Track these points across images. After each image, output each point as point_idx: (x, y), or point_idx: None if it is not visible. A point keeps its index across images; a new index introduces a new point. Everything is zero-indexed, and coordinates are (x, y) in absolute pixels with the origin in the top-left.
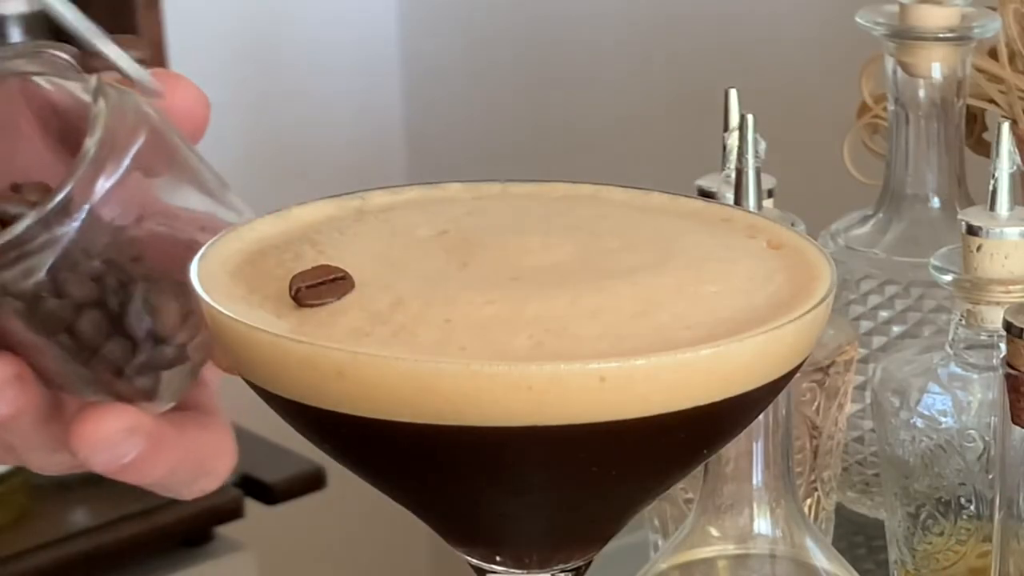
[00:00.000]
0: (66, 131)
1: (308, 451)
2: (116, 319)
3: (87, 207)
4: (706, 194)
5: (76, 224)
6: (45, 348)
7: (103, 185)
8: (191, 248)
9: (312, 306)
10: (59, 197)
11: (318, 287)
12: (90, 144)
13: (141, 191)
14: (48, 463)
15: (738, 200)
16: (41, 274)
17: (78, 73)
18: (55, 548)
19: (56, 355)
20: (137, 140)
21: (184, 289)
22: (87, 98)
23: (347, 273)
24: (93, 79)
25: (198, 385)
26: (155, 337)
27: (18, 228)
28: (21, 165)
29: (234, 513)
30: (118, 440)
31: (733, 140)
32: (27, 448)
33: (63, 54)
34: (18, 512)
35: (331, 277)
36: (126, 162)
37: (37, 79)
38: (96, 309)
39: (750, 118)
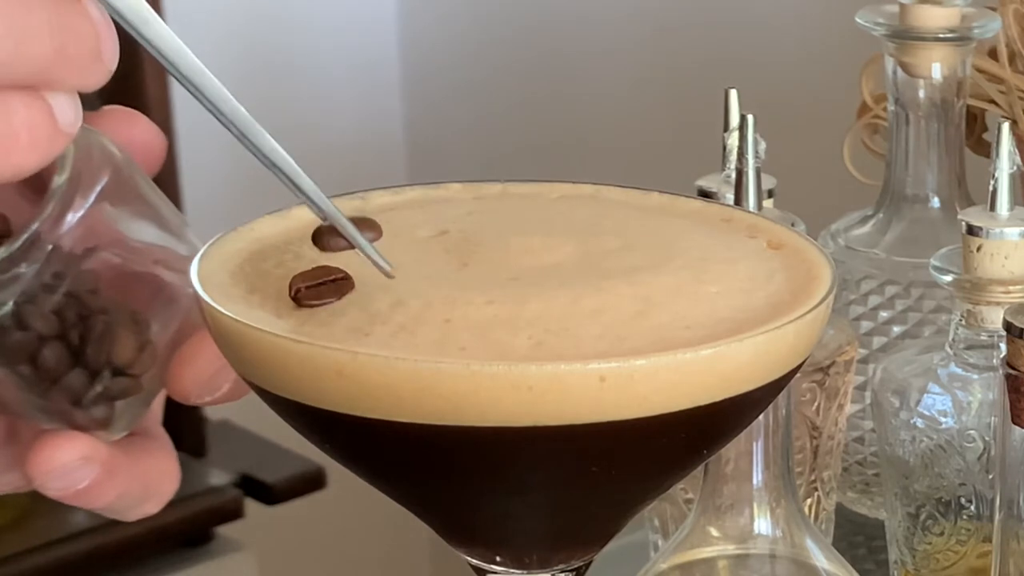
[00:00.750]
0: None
1: (308, 451)
2: (76, 351)
3: (52, 244)
4: (706, 194)
5: (41, 260)
6: (5, 378)
7: (69, 222)
8: (147, 281)
9: (312, 306)
10: (27, 235)
11: (318, 287)
12: (59, 183)
13: (103, 225)
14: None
15: (738, 200)
16: (7, 308)
17: None
18: (55, 548)
19: (16, 384)
20: (102, 178)
21: (139, 320)
22: None
23: (347, 273)
24: None
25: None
26: (113, 368)
27: None
28: None
29: (234, 513)
30: (73, 468)
31: (733, 140)
32: None
33: None
34: (18, 512)
35: (331, 277)
36: (91, 199)
37: None
38: (58, 341)
39: (750, 118)
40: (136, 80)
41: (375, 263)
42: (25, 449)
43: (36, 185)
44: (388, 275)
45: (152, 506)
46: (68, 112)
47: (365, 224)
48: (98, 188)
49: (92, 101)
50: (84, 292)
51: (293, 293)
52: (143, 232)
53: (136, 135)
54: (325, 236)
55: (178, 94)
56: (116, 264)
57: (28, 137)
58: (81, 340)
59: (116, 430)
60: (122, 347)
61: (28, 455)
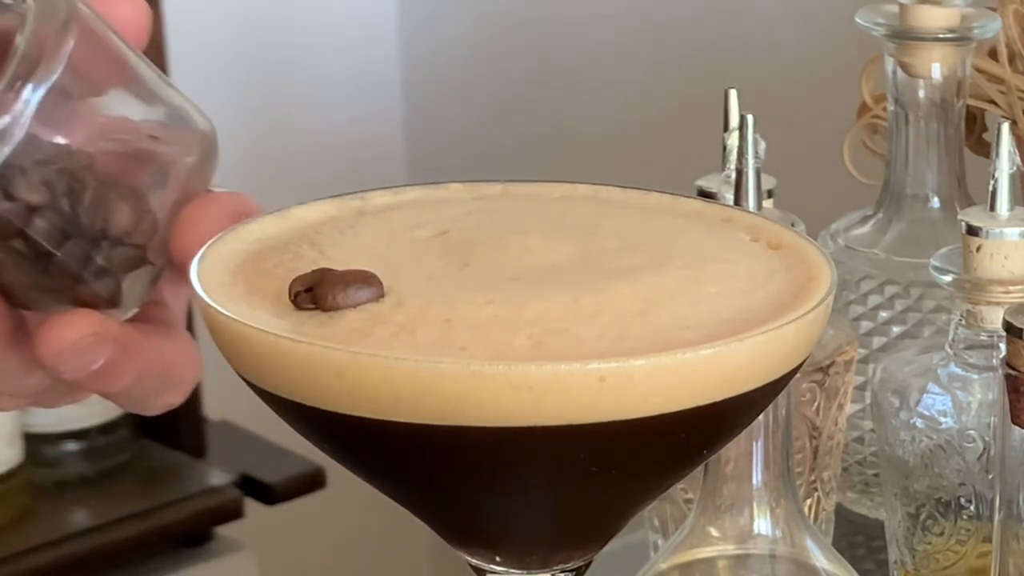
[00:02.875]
0: None
1: (308, 451)
2: (70, 220)
3: (25, 106)
4: (706, 194)
5: (16, 124)
6: (3, 256)
7: (39, 84)
8: (139, 157)
9: (312, 309)
10: None
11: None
12: (19, 41)
13: (84, 100)
14: (19, 388)
15: (738, 200)
16: None
17: None
18: (55, 548)
19: (13, 263)
20: (69, 40)
21: (136, 193)
22: (19, 10)
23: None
24: None
25: (159, 304)
26: (110, 237)
27: None
28: None
29: (234, 513)
30: (85, 345)
31: (733, 140)
32: None
33: None
34: (18, 512)
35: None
36: (61, 61)
37: None
38: (48, 211)
39: (750, 118)
40: None
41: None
42: (35, 333)
43: None
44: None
45: (176, 395)
46: None
47: (364, 277)
48: (66, 48)
49: None
50: (76, 167)
51: (293, 296)
52: (126, 105)
53: (115, 8)
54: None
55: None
56: (103, 143)
57: None
58: (73, 208)
59: (126, 307)
60: (119, 214)
61: (37, 336)
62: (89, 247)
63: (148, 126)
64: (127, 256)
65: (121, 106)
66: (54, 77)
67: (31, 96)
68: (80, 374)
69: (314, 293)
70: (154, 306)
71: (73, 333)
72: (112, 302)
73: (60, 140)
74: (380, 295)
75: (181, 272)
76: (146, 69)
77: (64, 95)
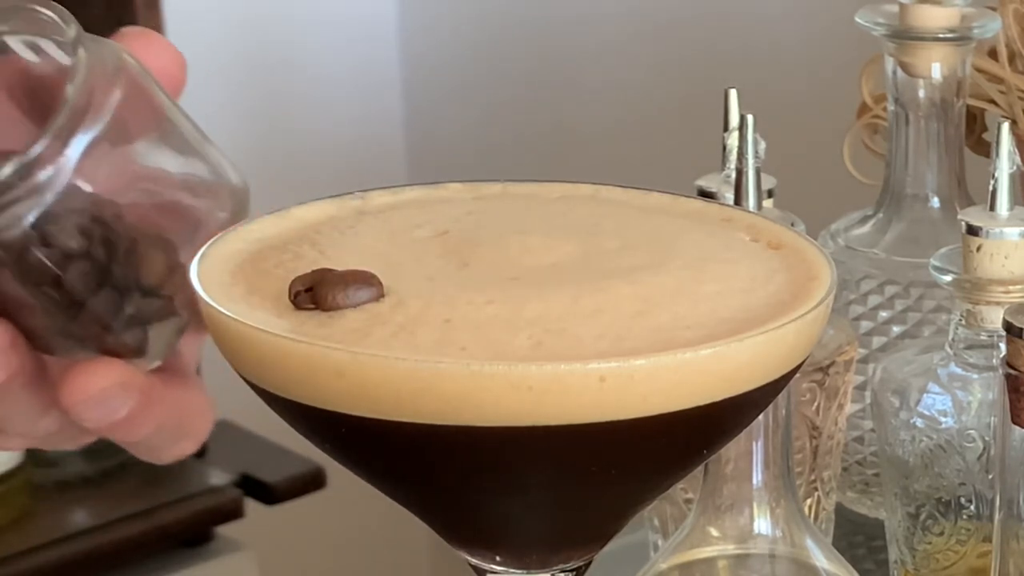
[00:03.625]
0: (32, 98)
1: (308, 451)
2: (103, 270)
3: (71, 156)
4: (706, 194)
5: (61, 174)
6: (33, 303)
7: (85, 135)
8: (172, 209)
9: (311, 309)
10: (40, 144)
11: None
12: (71, 93)
13: (123, 151)
14: (31, 430)
15: (738, 200)
16: (27, 223)
17: (62, 27)
18: (55, 548)
19: (44, 309)
20: (116, 91)
21: (168, 244)
22: (60, 57)
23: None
24: (72, 30)
25: (175, 354)
26: (142, 288)
27: (2, 174)
28: None
29: (234, 513)
30: (111, 395)
31: (733, 140)
32: (11, 414)
33: (46, 11)
34: (18, 512)
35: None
36: (107, 113)
37: (8, 39)
38: (83, 260)
39: (750, 118)
40: None
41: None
42: (59, 381)
43: (42, 112)
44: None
45: (189, 444)
46: None
47: (364, 278)
48: (113, 101)
49: (104, 30)
50: (108, 216)
51: (293, 296)
52: (167, 157)
53: (152, 58)
54: (328, 293)
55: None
56: (135, 194)
57: None
58: (108, 258)
59: (151, 357)
60: (151, 265)
61: (61, 384)
62: (120, 297)
63: (182, 179)
64: (156, 307)
65: (157, 157)
66: (99, 129)
67: (76, 147)
68: (102, 423)
69: (314, 293)
70: (171, 356)
71: (100, 382)
72: (138, 352)
73: (98, 189)
74: (380, 295)
75: (203, 324)
76: (184, 122)
77: (105, 145)
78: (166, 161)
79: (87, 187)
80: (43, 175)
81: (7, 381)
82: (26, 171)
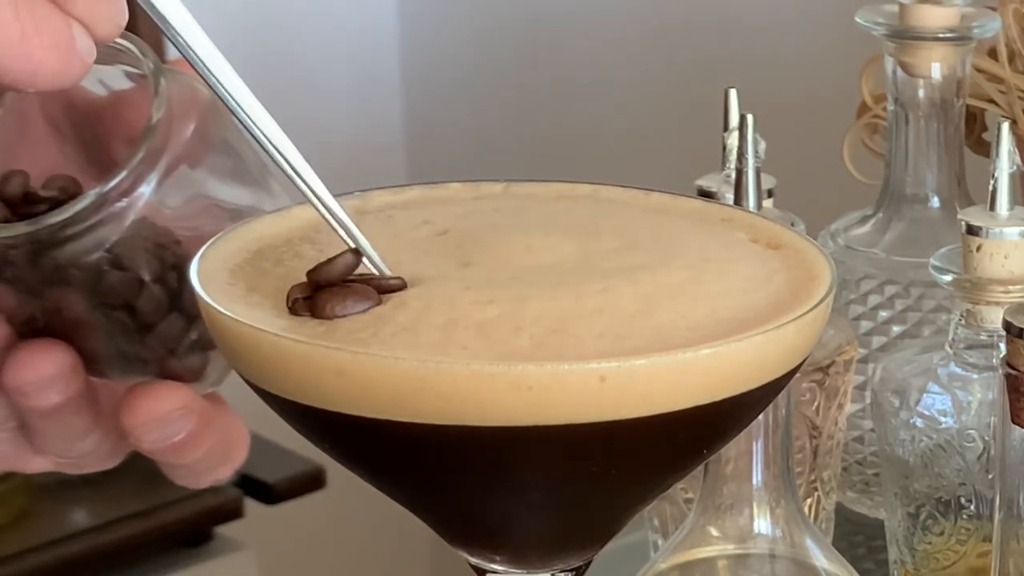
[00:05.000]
0: (77, 126)
1: (308, 451)
2: (174, 295)
3: (149, 185)
4: (706, 194)
5: (139, 201)
6: (101, 326)
7: (163, 164)
8: None
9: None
10: (123, 172)
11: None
12: (152, 124)
13: (192, 180)
14: (66, 451)
15: (738, 200)
16: (105, 247)
17: (138, 57)
18: (55, 548)
19: (109, 333)
20: (192, 123)
21: None
22: (119, 84)
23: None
24: (150, 61)
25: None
26: None
27: (88, 199)
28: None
29: (234, 513)
30: (173, 419)
31: (733, 140)
32: (54, 436)
33: (122, 40)
34: (18, 512)
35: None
36: (183, 144)
37: None
38: (157, 285)
39: (750, 118)
40: None
41: (380, 271)
42: (118, 403)
43: (85, 140)
44: (399, 287)
45: (227, 470)
46: (84, 39)
47: (363, 293)
48: (190, 130)
49: None
50: (174, 243)
51: (291, 303)
52: (229, 187)
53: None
54: (327, 303)
55: None
56: (203, 223)
57: (50, 41)
58: (178, 284)
59: (208, 382)
60: None
61: (124, 406)
62: (186, 323)
63: (244, 209)
64: None
65: (221, 187)
66: (175, 159)
67: (155, 176)
68: (161, 444)
69: (312, 302)
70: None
71: (165, 405)
72: (197, 376)
73: (169, 216)
74: (378, 305)
75: None
76: (248, 152)
77: (178, 174)
78: (229, 191)
79: (161, 214)
80: (124, 202)
81: (63, 404)
82: (108, 198)
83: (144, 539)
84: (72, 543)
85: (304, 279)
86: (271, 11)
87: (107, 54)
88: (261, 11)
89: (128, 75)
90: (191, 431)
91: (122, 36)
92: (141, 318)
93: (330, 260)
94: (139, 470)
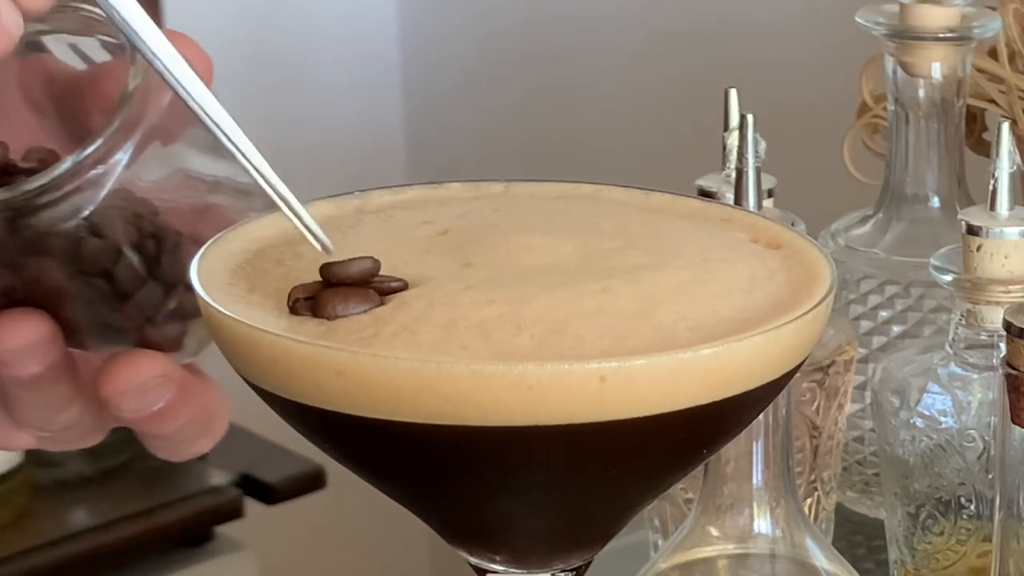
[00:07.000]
0: (56, 99)
1: (308, 451)
2: (151, 264)
3: (126, 153)
4: (706, 194)
5: (116, 169)
6: (80, 293)
7: (140, 133)
8: (209, 210)
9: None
10: (100, 140)
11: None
12: (129, 92)
13: (168, 151)
14: (47, 424)
15: (738, 200)
16: (83, 214)
17: (108, 26)
18: (55, 548)
19: (89, 301)
20: (169, 92)
21: (203, 243)
22: (98, 56)
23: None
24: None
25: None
26: (187, 284)
27: (64, 165)
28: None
29: (234, 513)
30: (152, 387)
31: (733, 140)
32: (33, 408)
33: (98, 10)
34: (18, 512)
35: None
36: (160, 113)
37: (45, 39)
38: (134, 253)
39: (750, 118)
40: None
41: (318, 239)
42: (95, 372)
43: (65, 113)
44: (327, 251)
45: (207, 442)
46: (11, 13)
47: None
48: (166, 100)
49: None
50: (152, 213)
51: (292, 303)
52: (202, 159)
53: (184, 55)
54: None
55: None
56: (179, 194)
57: None
58: (156, 252)
59: (187, 351)
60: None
61: (103, 374)
62: (164, 291)
63: (219, 181)
64: (195, 302)
65: (197, 158)
66: (152, 128)
67: (131, 145)
68: (140, 414)
69: (314, 303)
70: (204, 352)
71: (143, 373)
72: (176, 346)
73: (146, 186)
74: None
75: None
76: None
77: (155, 144)
78: (206, 162)
79: (138, 183)
80: (100, 169)
81: (43, 374)
82: (84, 165)
83: (144, 539)
84: (72, 543)
85: (304, 279)
86: (271, 11)
87: (84, 24)
88: (261, 11)
89: (105, 46)
90: (170, 400)
91: (96, 5)
92: (119, 286)
93: (347, 261)
94: (139, 470)
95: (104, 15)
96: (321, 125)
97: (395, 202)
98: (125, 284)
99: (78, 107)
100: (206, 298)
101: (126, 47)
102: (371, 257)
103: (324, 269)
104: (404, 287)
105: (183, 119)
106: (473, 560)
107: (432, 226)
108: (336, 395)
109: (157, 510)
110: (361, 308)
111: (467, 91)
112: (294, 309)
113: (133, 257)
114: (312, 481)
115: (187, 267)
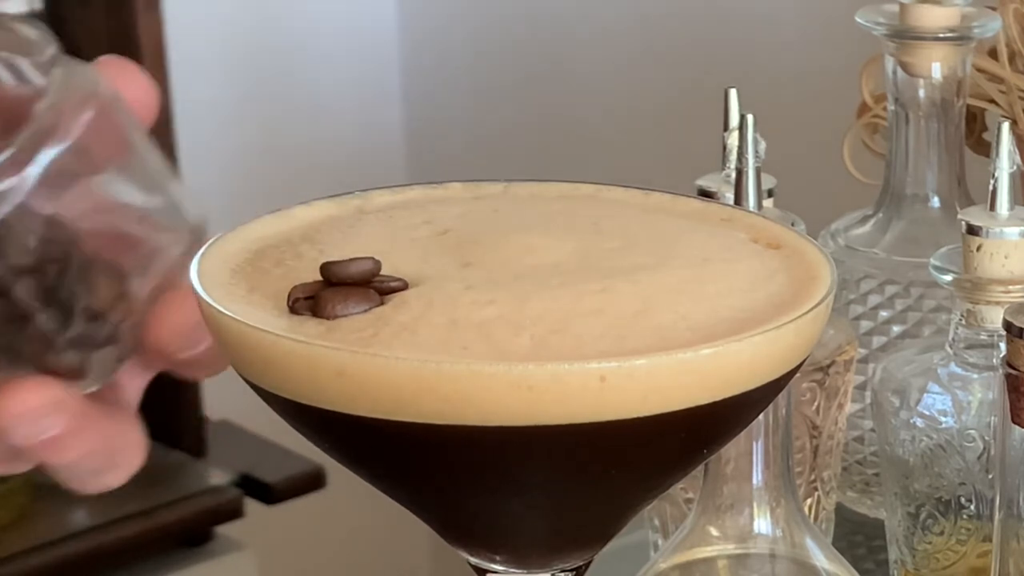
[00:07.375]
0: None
1: (308, 451)
2: (52, 289)
3: (31, 171)
4: (706, 194)
5: (21, 186)
6: None
7: (48, 152)
8: (127, 240)
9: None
10: (2, 155)
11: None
12: (40, 109)
13: (87, 178)
14: None
15: (738, 200)
16: None
17: (41, 46)
18: (55, 548)
19: None
20: (86, 115)
21: (119, 272)
22: (36, 78)
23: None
24: (50, 50)
25: (115, 385)
26: (89, 312)
27: None
28: None
29: (234, 513)
30: (43, 414)
31: (733, 140)
32: None
33: (26, 29)
34: (18, 512)
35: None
36: (73, 135)
37: None
38: (34, 276)
39: (750, 118)
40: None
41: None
42: None
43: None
44: (400, 287)
45: (117, 477)
46: None
47: (365, 296)
48: (80, 123)
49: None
50: (63, 238)
51: (291, 303)
52: (127, 188)
53: (126, 87)
54: (328, 304)
55: (176, 89)
56: (94, 222)
57: None
58: (58, 278)
59: (89, 382)
60: (101, 290)
61: None
62: (66, 317)
63: (142, 212)
64: (100, 332)
65: (120, 188)
66: (63, 149)
67: (38, 163)
68: (32, 441)
69: (314, 303)
70: (110, 386)
71: (34, 400)
72: (77, 375)
73: (57, 210)
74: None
75: (147, 358)
76: (151, 156)
77: (67, 167)
78: (128, 193)
79: (46, 205)
80: (4, 184)
81: None
82: None
83: (144, 539)
84: (72, 543)
85: (304, 279)
86: (271, 12)
87: (17, 45)
88: (261, 12)
89: (38, 66)
90: (66, 429)
91: (26, 24)
92: (16, 308)
93: (347, 261)
94: (139, 470)
95: (37, 36)
96: (321, 125)
97: (395, 202)
98: (22, 307)
99: (11, 128)
100: (206, 298)
101: (44, 64)
102: (371, 257)
103: (324, 269)
104: (404, 287)
105: (102, 140)
106: (473, 560)
107: (432, 226)
108: (336, 395)
109: (157, 510)
110: (361, 308)
111: (467, 91)
112: (294, 309)
113: (32, 280)
114: (312, 481)
115: (93, 296)
